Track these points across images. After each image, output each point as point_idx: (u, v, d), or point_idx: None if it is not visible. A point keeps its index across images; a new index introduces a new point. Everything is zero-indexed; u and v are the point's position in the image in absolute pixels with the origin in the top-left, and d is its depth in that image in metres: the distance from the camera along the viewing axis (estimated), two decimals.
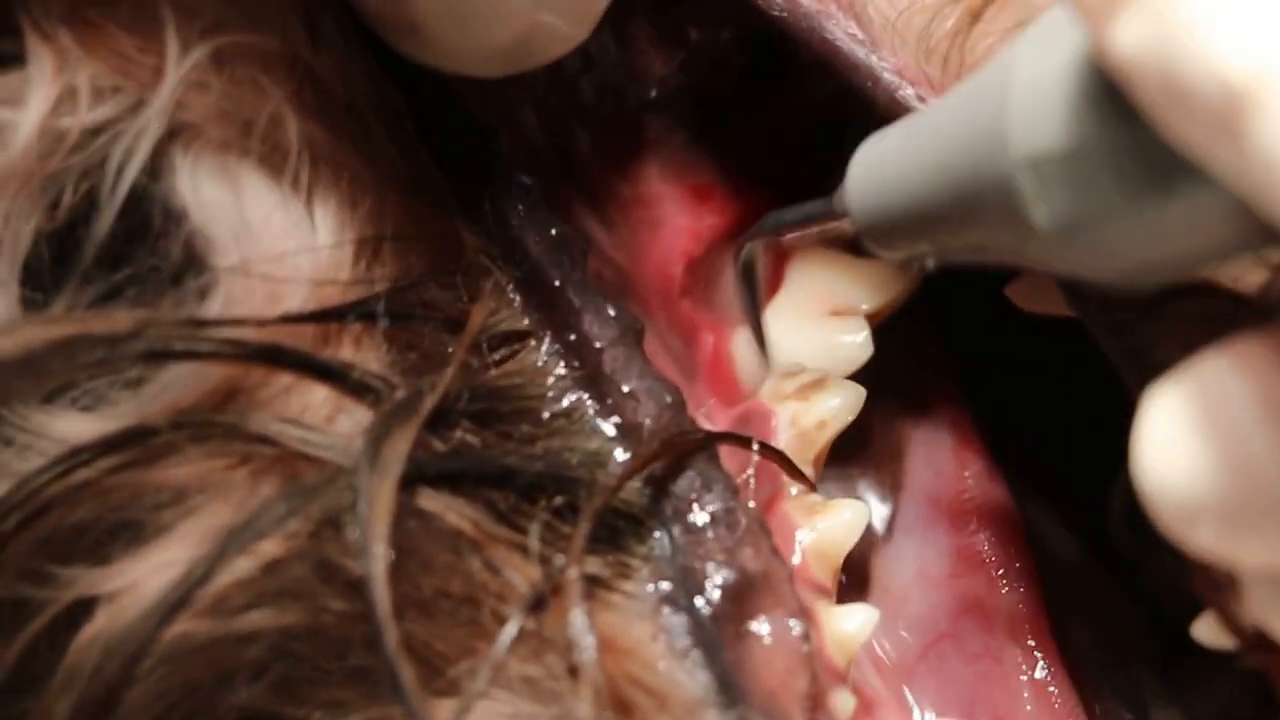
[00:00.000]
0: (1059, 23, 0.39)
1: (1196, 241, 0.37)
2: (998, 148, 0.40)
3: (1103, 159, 0.37)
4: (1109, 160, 0.37)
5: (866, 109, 0.53)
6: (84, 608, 0.48)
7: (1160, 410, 0.38)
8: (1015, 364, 0.64)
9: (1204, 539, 0.37)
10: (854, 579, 0.60)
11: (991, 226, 0.42)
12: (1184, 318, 0.49)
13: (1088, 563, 0.66)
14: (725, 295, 0.61)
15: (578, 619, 0.48)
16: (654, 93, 0.62)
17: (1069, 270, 0.41)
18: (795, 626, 0.51)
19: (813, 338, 0.59)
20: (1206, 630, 0.52)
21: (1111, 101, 0.36)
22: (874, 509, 0.62)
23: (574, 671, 0.49)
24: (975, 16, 0.53)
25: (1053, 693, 0.59)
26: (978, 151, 0.41)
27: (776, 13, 0.53)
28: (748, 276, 0.60)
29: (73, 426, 0.48)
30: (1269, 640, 0.47)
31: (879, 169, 0.48)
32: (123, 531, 0.48)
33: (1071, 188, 0.38)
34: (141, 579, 0.48)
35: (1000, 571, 0.61)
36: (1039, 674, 0.60)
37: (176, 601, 0.47)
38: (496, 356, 0.53)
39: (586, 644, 0.47)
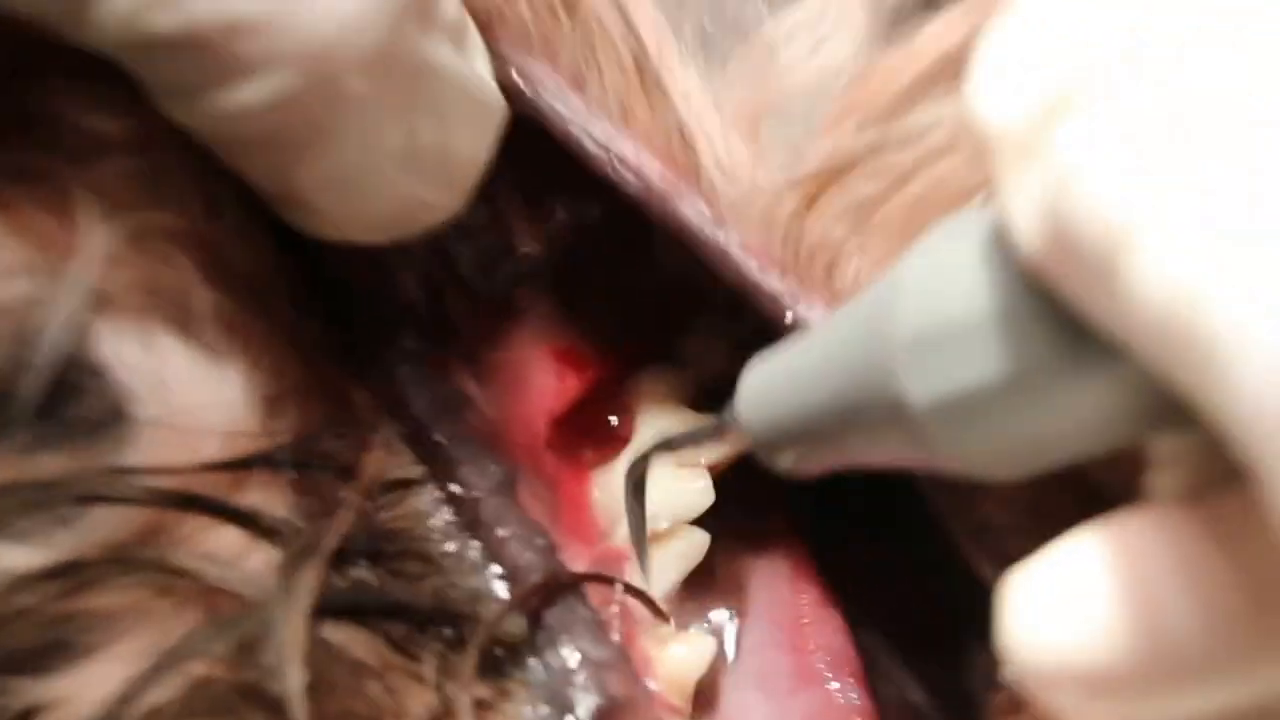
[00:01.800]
0: (942, 233, 0.41)
1: (1086, 420, 0.38)
2: (881, 342, 0.42)
3: (978, 333, 0.39)
4: (984, 334, 0.38)
5: (715, 279, 0.56)
6: (29, 716, 0.49)
7: (1045, 582, 0.39)
8: (856, 507, 0.63)
9: (1096, 708, 0.39)
10: (704, 697, 0.59)
11: (877, 430, 0.44)
12: (1025, 489, 0.49)
13: (928, 702, 0.64)
14: (583, 449, 0.63)
15: None
16: (523, 264, 0.63)
17: (955, 463, 0.41)
18: None
19: (659, 487, 0.58)
20: None
21: (998, 274, 0.38)
22: (726, 630, 0.63)
23: None
24: (811, 201, 0.55)
25: None
26: (862, 353, 0.43)
27: (632, 191, 0.56)
28: (638, 495, 0.59)
29: (13, 558, 0.49)
30: None
31: (768, 386, 0.50)
32: (61, 650, 0.50)
33: (950, 365, 0.39)
34: (78, 691, 0.49)
35: (836, 686, 0.60)
36: None
37: (115, 713, 0.48)
38: (387, 501, 0.55)
39: None
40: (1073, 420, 0.37)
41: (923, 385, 0.39)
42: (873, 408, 0.42)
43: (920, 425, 0.40)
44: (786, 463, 0.49)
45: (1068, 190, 0.33)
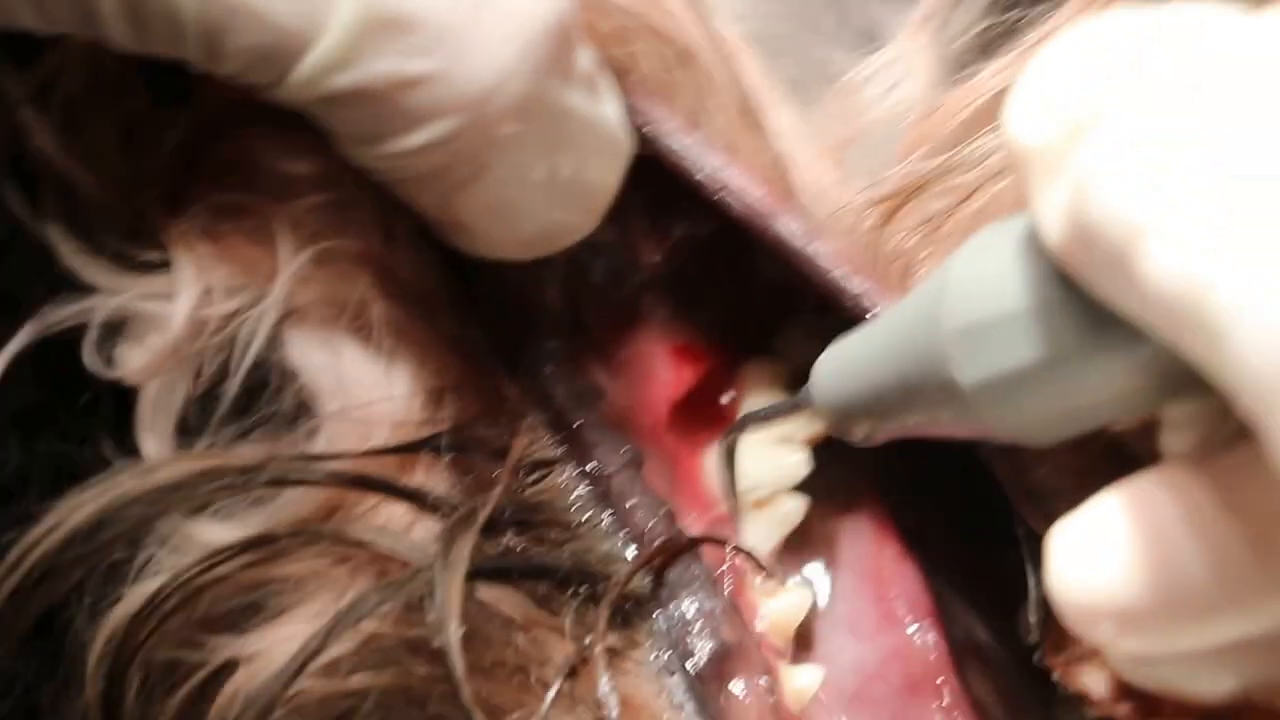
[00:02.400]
0: (983, 237, 0.44)
1: (1111, 393, 0.42)
2: (934, 330, 0.44)
3: (1017, 323, 0.42)
4: (1022, 324, 0.41)
5: (807, 282, 0.58)
6: (227, 669, 0.56)
7: (1079, 535, 0.43)
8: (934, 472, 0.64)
9: (1126, 640, 0.43)
10: (802, 640, 0.63)
11: (934, 405, 0.47)
12: (1070, 457, 0.53)
13: (992, 641, 0.66)
14: (697, 430, 0.66)
15: (603, 683, 0.55)
16: (646, 274, 0.65)
17: (1001, 432, 0.45)
18: (763, 683, 0.57)
19: (764, 460, 0.63)
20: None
21: (1032, 271, 0.42)
22: (817, 583, 0.66)
23: None
24: (888, 217, 0.57)
25: (958, 717, 0.63)
26: (918, 340, 0.46)
27: (737, 213, 0.58)
28: (729, 462, 0.63)
29: (214, 533, 0.55)
30: (1130, 692, 0.54)
31: (839, 369, 0.53)
32: (254, 612, 0.56)
33: (993, 350, 0.42)
34: (270, 647, 0.55)
35: (914, 628, 0.64)
36: (946, 701, 0.63)
37: (299, 665, 0.53)
38: (532, 479, 0.60)
39: (611, 702, 0.55)
40: (1100, 393, 0.41)
41: (971, 368, 0.42)
42: (929, 386, 0.45)
43: (970, 402, 0.43)
44: (858, 434, 0.53)
45: (1089, 195, 0.37)
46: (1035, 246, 0.41)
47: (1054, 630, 0.56)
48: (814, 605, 0.64)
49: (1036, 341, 0.41)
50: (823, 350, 0.54)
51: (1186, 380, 0.38)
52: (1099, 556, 0.42)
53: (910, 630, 0.64)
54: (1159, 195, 0.35)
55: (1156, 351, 0.38)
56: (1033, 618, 0.59)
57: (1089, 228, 0.38)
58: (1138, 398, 0.41)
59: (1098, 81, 0.39)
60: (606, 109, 0.57)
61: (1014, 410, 0.43)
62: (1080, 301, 0.40)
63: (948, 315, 0.44)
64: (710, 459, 0.65)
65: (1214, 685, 0.46)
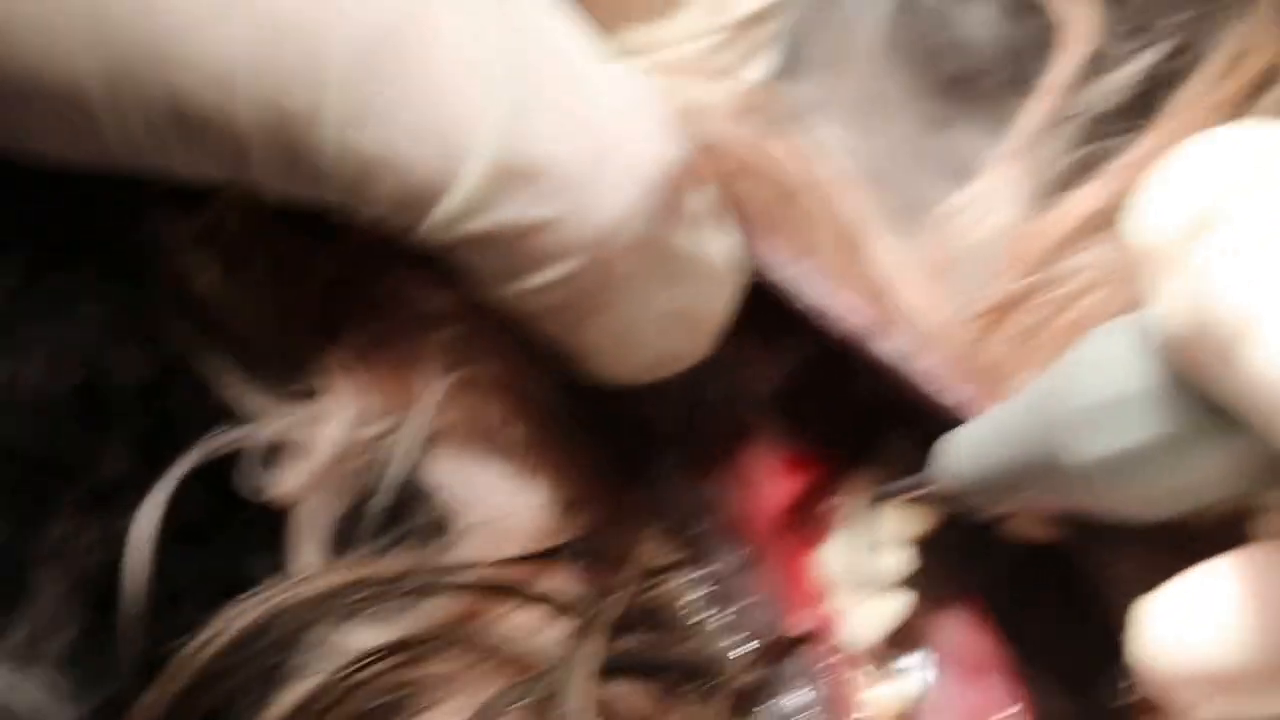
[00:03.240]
0: (1103, 332, 0.46)
1: (1215, 475, 0.43)
2: (1057, 409, 0.46)
3: (1135, 405, 0.43)
4: (1139, 406, 0.43)
5: (906, 396, 0.59)
6: None
7: (1182, 601, 0.45)
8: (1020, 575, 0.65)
9: (1214, 703, 0.45)
10: None
11: (1050, 480, 0.49)
12: (1149, 554, 0.52)
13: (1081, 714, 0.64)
14: (804, 534, 0.66)
15: None
16: (757, 392, 0.65)
17: (1106, 506, 0.47)
18: None
19: (875, 558, 0.64)
20: None
21: (1149, 359, 0.43)
22: (917, 674, 0.65)
23: None
24: (985, 332, 0.59)
25: None
26: (1039, 420, 0.48)
27: (839, 336, 0.59)
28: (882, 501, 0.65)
29: (361, 638, 0.56)
30: None
31: (960, 449, 0.55)
32: (396, 712, 0.57)
33: (1121, 435, 0.44)
34: None
35: (1012, 711, 0.64)
36: None
37: None
38: (654, 583, 0.60)
39: None
40: (1202, 476, 0.42)
41: (1090, 444, 0.44)
42: (1046, 463, 0.47)
43: (1086, 477, 0.45)
44: (975, 506, 0.55)
45: (1204, 291, 0.38)
46: (1151, 339, 0.43)
47: (1135, 701, 0.59)
48: (916, 694, 0.65)
49: (1151, 423, 0.43)
50: (922, 457, 0.57)
51: None
52: (1194, 622, 0.44)
53: (1009, 712, 0.65)
54: (1270, 292, 0.37)
55: (1254, 441, 0.40)
56: (1118, 697, 0.61)
57: (1202, 321, 0.39)
58: (1237, 481, 0.43)
59: (1219, 184, 0.41)
60: (718, 245, 0.58)
61: (1124, 485, 0.45)
62: (1190, 391, 0.42)
63: (1073, 395, 0.46)
64: (815, 559, 0.66)
65: None
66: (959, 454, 0.55)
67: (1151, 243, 0.42)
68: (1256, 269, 0.37)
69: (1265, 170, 0.40)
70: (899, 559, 0.64)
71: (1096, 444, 0.45)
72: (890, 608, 0.64)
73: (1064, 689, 0.65)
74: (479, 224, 0.52)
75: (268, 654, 0.56)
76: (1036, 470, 0.49)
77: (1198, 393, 0.42)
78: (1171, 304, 0.41)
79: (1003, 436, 0.52)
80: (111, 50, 0.51)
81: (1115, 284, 0.58)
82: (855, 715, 0.62)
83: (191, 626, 0.55)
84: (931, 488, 0.57)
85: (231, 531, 0.59)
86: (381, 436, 0.59)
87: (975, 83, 0.64)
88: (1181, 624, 0.45)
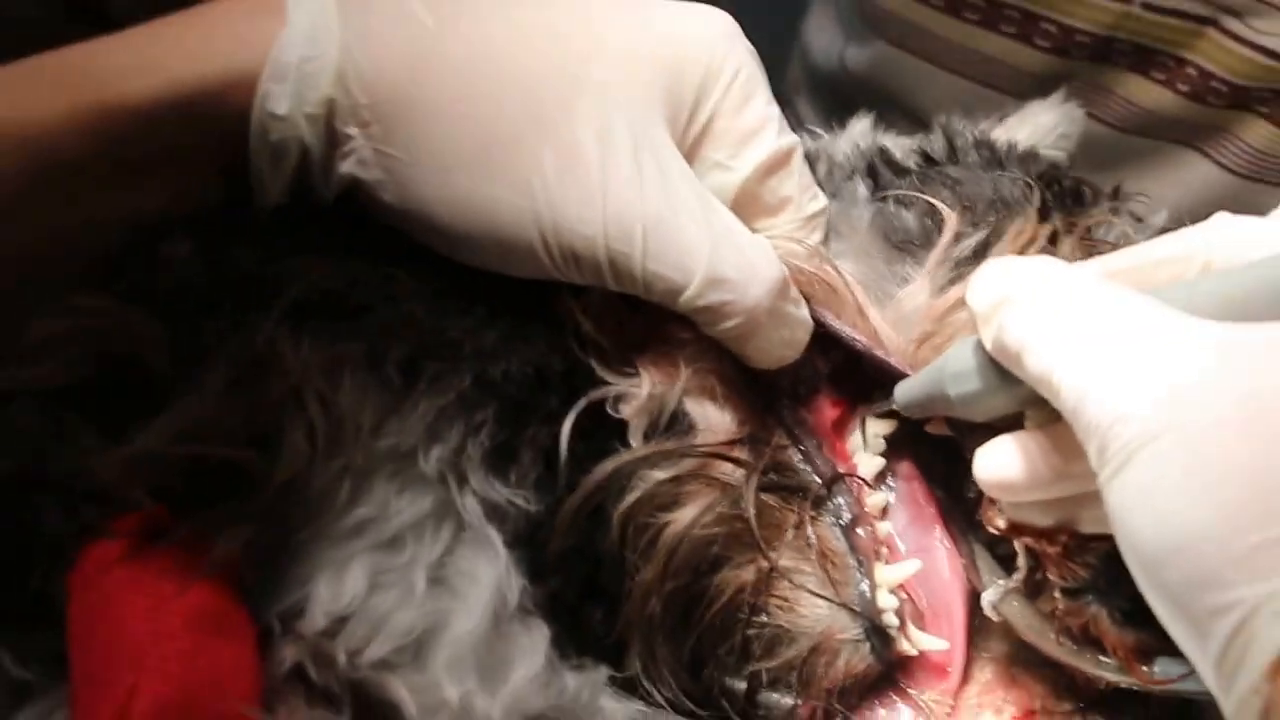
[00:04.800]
0: (961, 343, 0.68)
1: (1008, 402, 0.66)
2: (943, 375, 0.69)
3: (978, 375, 0.65)
4: (980, 375, 0.65)
5: (881, 372, 0.85)
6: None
7: (992, 451, 0.68)
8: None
9: (1008, 497, 0.68)
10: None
11: (940, 404, 0.72)
12: (983, 432, 0.70)
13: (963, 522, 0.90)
14: (842, 431, 0.91)
15: (809, 531, 0.82)
16: (819, 373, 0.89)
17: (966, 415, 0.70)
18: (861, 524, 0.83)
19: (869, 443, 0.89)
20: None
21: (984, 355, 0.64)
22: (892, 496, 0.92)
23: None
24: (919, 345, 0.87)
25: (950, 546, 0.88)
26: (937, 378, 0.71)
27: (857, 349, 0.86)
28: (862, 428, 0.89)
29: (656, 475, 0.81)
30: (1015, 526, 0.75)
31: (905, 390, 0.79)
32: (676, 503, 0.81)
33: (966, 385, 0.67)
34: (676, 518, 0.80)
35: (927, 504, 0.90)
36: (944, 540, 0.90)
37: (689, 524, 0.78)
38: (779, 451, 0.87)
39: (813, 538, 0.82)
40: (1003, 402, 0.66)
41: (955, 390, 0.68)
42: (941, 397, 0.70)
43: (957, 403, 0.69)
44: (912, 416, 0.79)
45: (1001, 331, 0.59)
46: (979, 348, 0.64)
47: (976, 496, 0.80)
48: (886, 501, 0.91)
49: (978, 380, 0.66)
50: (888, 396, 0.83)
51: (1038, 400, 0.59)
52: (1001, 461, 0.66)
53: (934, 527, 0.91)
54: (1031, 333, 0.56)
55: (1025, 388, 0.60)
56: (972, 494, 0.85)
57: (1002, 343, 0.59)
58: (1018, 405, 0.65)
59: (1006, 284, 0.60)
60: (799, 310, 0.81)
61: (971, 407, 0.69)
62: (997, 369, 0.63)
63: (948, 368, 0.69)
64: (846, 442, 0.90)
65: (1044, 519, 0.71)
66: (904, 393, 0.78)
67: (980, 309, 0.62)
68: (1024, 325, 0.56)
69: (1026, 279, 0.58)
70: (879, 442, 0.90)
71: (958, 389, 0.69)
72: (876, 463, 0.90)
73: (948, 494, 0.91)
74: (700, 303, 0.75)
75: (619, 478, 0.80)
76: (936, 400, 0.72)
77: (1000, 370, 0.63)
78: (989, 336, 0.61)
79: (923, 385, 0.75)
80: (544, 221, 0.70)
81: (968, 327, 0.78)
82: (866, 508, 0.86)
83: (587, 472, 0.80)
84: (893, 408, 0.81)
85: (602, 434, 0.83)
86: (664, 392, 0.82)
87: (909, 245, 0.91)
88: (994, 462, 0.67)
